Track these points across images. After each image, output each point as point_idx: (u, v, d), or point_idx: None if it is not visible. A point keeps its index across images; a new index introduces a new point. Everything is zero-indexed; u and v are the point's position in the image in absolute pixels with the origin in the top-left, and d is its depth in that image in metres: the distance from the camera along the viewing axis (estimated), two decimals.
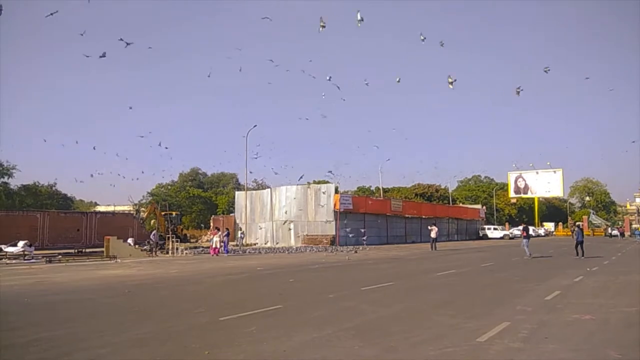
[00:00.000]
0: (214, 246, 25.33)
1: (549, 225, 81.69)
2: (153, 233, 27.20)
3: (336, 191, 39.53)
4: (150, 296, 10.60)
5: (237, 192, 48.35)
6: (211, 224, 44.93)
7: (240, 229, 30.35)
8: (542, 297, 10.30)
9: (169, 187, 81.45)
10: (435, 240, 31.19)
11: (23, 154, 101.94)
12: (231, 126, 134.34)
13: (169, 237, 27.34)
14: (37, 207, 40.90)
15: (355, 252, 28.61)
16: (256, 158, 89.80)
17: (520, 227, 26.20)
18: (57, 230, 31.80)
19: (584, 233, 25.58)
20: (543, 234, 70.74)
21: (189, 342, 6.13)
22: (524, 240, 23.16)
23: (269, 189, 44.27)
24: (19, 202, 41.90)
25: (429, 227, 32.86)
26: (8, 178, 40.47)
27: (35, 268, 18.23)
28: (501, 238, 56.89)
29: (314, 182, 53.37)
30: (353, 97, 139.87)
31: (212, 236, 26.33)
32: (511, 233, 60.07)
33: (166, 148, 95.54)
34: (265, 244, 39.64)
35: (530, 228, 28.52)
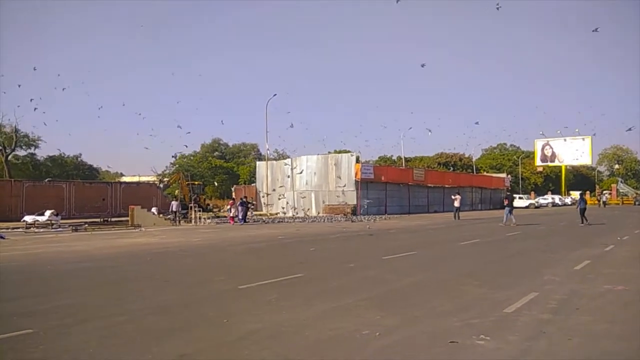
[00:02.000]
0: (231, 215, 25.48)
1: (576, 194, 79.64)
2: (175, 203, 27.48)
3: (357, 160, 39.09)
4: (172, 264, 10.64)
5: (258, 162, 48.43)
6: (233, 194, 45.22)
7: (245, 197, 30.09)
8: (571, 267, 9.93)
9: (192, 157, 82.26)
10: (458, 209, 30.74)
11: (48, 126, 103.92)
12: (253, 94, 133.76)
13: (191, 207, 27.58)
14: (63, 177, 41.71)
15: (374, 221, 28.41)
16: (292, 126, 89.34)
17: (506, 195, 25.94)
18: (83, 200, 32.47)
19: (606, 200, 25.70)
20: (570, 203, 69.12)
21: (208, 310, 6.06)
22: (507, 209, 23.59)
23: (289, 159, 44.10)
24: (45, 172, 42.81)
25: (452, 197, 32.29)
26: (34, 149, 41.42)
27: (61, 237, 18.62)
28: (526, 207, 55.82)
29: (335, 152, 52.90)
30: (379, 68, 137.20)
31: (229, 206, 26.48)
32: (537, 202, 58.93)
33: (179, 127, 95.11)
34: (286, 214, 39.77)
35: (583, 197, 26.82)
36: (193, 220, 26.60)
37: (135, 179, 58.77)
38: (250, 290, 7.26)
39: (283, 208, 41.23)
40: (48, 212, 23.55)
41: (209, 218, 27.87)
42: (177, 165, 65.48)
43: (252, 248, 13.68)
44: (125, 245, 14.69)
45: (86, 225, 24.09)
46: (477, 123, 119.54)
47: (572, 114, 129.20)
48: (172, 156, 69.47)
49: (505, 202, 24.71)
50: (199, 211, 27.51)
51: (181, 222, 26.53)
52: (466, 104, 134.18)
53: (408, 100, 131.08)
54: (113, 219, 28.80)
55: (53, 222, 23.09)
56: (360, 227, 22.75)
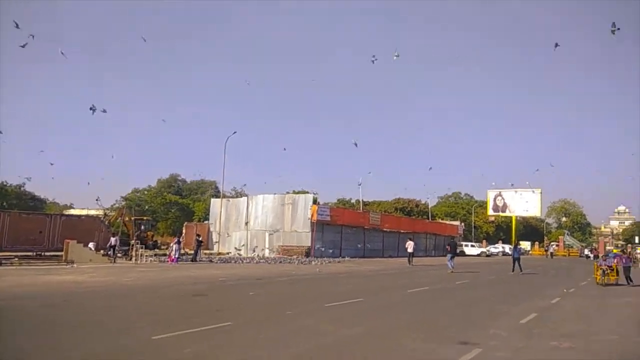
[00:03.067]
0: (172, 254, 24.17)
1: (526, 245, 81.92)
2: (113, 238, 25.93)
3: (314, 202, 38.64)
4: (88, 307, 9.53)
5: (212, 200, 47.12)
6: (183, 231, 43.52)
7: (198, 235, 28.90)
8: (518, 320, 9.58)
9: (145, 192, 79.58)
10: (412, 255, 30.67)
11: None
12: (212, 133, 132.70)
13: (133, 244, 26.04)
14: (3, 208, 39.01)
15: (326, 264, 27.69)
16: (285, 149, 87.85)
17: (449, 242, 27.14)
18: (18, 232, 29.99)
19: (554, 252, 28.41)
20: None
21: None
22: (449, 255, 24.35)
23: (245, 197, 43.16)
24: None
25: (406, 244, 32.20)
26: None
27: None
28: (478, 255, 56.65)
29: (294, 192, 52.40)
30: (339, 110, 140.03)
31: (172, 244, 25.12)
32: (488, 250, 59.94)
33: (112, 157, 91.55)
34: (240, 253, 38.42)
35: (517, 247, 28.59)
36: (133, 258, 25.01)
37: (85, 211, 55.87)
38: (164, 341, 6.39)
39: (236, 247, 39.88)
40: None
41: (151, 255, 26.30)
42: (127, 200, 62.93)
43: (187, 290, 12.62)
44: (46, 283, 13.31)
45: (15, 259, 22.15)
46: (430, 169, 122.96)
47: (523, 166, 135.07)
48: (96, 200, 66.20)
49: (448, 249, 25.19)
50: (141, 248, 25.96)
51: (118, 259, 24.88)
52: (425, 150, 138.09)
53: (369, 144, 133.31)
54: (49, 254, 26.74)
55: None
56: (311, 270, 21.96)
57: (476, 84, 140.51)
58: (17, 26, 18.80)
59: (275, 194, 40.06)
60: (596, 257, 63.55)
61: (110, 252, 25.49)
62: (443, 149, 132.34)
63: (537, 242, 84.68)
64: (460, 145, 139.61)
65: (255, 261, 28.48)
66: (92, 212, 51.65)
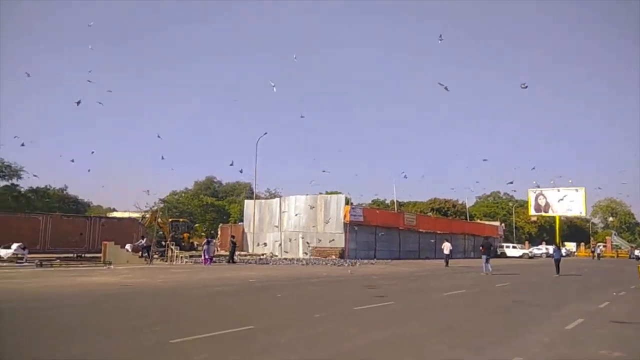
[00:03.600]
0: (205, 256, 24.29)
1: (571, 245, 78.60)
2: (144, 240, 26.41)
3: (346, 202, 38.20)
4: (114, 308, 9.46)
5: (246, 201, 47.39)
6: (219, 233, 43.97)
7: (233, 237, 28.89)
8: (562, 326, 8.87)
9: (183, 194, 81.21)
10: (449, 256, 29.95)
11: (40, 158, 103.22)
12: (248, 134, 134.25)
13: (168, 245, 26.37)
14: (46, 210, 40.50)
15: (359, 265, 27.19)
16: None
17: (483, 242, 26.19)
18: (59, 234, 31.10)
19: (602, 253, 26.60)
20: (564, 254, 67.85)
21: None
22: (484, 257, 23.36)
23: (278, 198, 43.17)
24: (25, 204, 41.53)
25: (443, 244, 31.42)
26: (17, 180, 40.33)
27: (22, 272, 17.38)
28: (520, 257, 54.60)
29: (327, 193, 52.11)
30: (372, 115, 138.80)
31: (204, 245, 25.25)
32: (531, 252, 57.72)
33: (162, 158, 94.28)
34: (273, 255, 38.42)
35: (558, 248, 27.19)
36: (168, 259, 25.32)
37: (127, 214, 57.34)
38: (181, 345, 6.15)
39: (269, 249, 39.93)
40: (15, 245, 22.27)
41: (186, 257, 26.54)
42: (165, 203, 64.24)
43: (214, 292, 12.46)
44: (79, 284, 13.47)
45: (58, 261, 22.79)
46: (403, 173, 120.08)
47: (567, 165, 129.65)
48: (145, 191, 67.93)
49: (482, 250, 24.29)
50: (176, 249, 26.25)
51: (155, 260, 25.23)
52: (462, 151, 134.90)
53: (404, 145, 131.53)
54: (88, 255, 27.42)
55: (20, 256, 21.78)
56: (343, 272, 21.54)
57: (517, 80, 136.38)
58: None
59: (307, 194, 39.84)
60: None
61: (146, 254, 25.96)
62: (479, 147, 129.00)
63: (582, 243, 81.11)
64: (498, 144, 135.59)
65: (288, 263, 28.31)
66: (135, 215, 53.01)
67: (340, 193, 41.69)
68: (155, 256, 27.15)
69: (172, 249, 25.85)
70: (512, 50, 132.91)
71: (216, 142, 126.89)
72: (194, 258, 27.24)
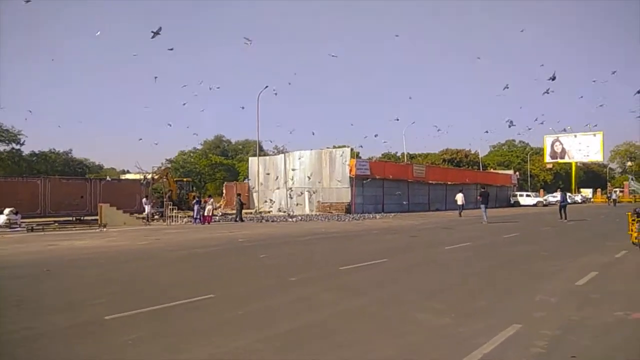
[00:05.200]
0: (205, 214, 23.53)
1: (587, 192, 76.77)
2: (144, 200, 25.79)
3: (352, 156, 36.97)
4: (69, 275, 8.62)
5: (250, 158, 46.42)
6: (224, 191, 43.34)
7: (239, 195, 27.87)
8: (572, 281, 7.83)
9: (192, 154, 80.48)
10: (462, 207, 29.62)
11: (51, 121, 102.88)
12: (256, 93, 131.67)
13: (166, 205, 25.71)
14: (50, 174, 40.07)
15: (360, 220, 26.33)
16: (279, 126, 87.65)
17: (480, 192, 25.31)
18: (59, 197, 30.61)
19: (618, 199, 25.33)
20: (580, 201, 66.34)
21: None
22: (482, 206, 23.06)
23: (283, 154, 42.09)
24: (27, 168, 41.08)
25: (457, 195, 30.48)
26: (17, 144, 39.67)
27: (8, 237, 16.79)
28: (534, 205, 53.35)
29: (334, 147, 50.82)
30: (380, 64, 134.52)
31: (204, 204, 24.42)
32: (545, 200, 56.35)
33: (169, 125, 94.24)
34: (281, 212, 37.77)
35: (564, 194, 26.36)
36: (167, 220, 24.70)
37: (139, 176, 57.01)
38: (116, 322, 5.24)
39: (275, 206, 39.27)
40: (7, 210, 21.72)
41: (186, 217, 25.89)
42: (172, 162, 63.69)
43: (191, 255, 11.51)
44: (54, 250, 12.68)
45: (54, 225, 22.31)
46: (413, 123, 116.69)
47: (584, 108, 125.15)
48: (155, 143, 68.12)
49: (479, 199, 24.10)
50: (174, 209, 25.58)
51: (155, 221, 24.66)
52: (474, 99, 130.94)
53: (414, 96, 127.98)
54: (88, 218, 26.94)
55: (12, 220, 21.26)
56: (345, 227, 20.66)
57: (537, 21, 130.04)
58: None
59: (312, 149, 38.66)
60: None
61: (145, 215, 25.41)
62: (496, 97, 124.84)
63: (599, 189, 79.05)
64: (515, 91, 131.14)
65: (292, 219, 27.55)
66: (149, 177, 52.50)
67: (346, 146, 40.44)
68: (156, 217, 26.60)
69: (169, 209, 25.17)
70: None
71: (227, 100, 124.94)
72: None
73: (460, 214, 29.14)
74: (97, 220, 24.15)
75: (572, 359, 4.20)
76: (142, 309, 5.74)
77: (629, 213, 12.37)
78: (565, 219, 23.53)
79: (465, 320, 5.42)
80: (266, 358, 4.14)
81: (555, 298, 6.64)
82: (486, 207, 23.17)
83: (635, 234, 11.95)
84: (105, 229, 20.39)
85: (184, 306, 5.97)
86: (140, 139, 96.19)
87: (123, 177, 56.34)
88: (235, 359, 4.13)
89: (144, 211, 25.91)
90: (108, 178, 37.20)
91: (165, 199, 26.73)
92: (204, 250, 12.19)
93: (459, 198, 29.93)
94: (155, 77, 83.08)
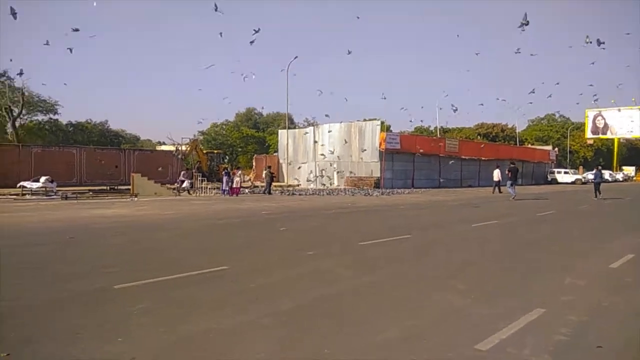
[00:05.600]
0: (233, 186, 23.66)
1: (629, 170, 73.37)
2: (182, 172, 26.07)
3: (382, 129, 36.31)
4: (92, 244, 8.73)
5: (280, 131, 46.30)
6: (254, 164, 43.56)
7: (269, 167, 27.75)
8: (606, 263, 7.37)
9: (224, 126, 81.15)
10: (499, 183, 28.10)
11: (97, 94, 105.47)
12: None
13: (196, 177, 26.02)
14: (86, 144, 41.17)
15: (388, 195, 25.96)
16: (321, 93, 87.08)
17: (509, 167, 24.14)
18: (94, 167, 31.51)
19: None
20: (621, 179, 63.55)
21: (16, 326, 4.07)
22: (508, 182, 22.91)
23: (312, 127, 41.77)
24: (63, 138, 42.32)
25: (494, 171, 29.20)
26: (54, 114, 40.88)
27: (44, 204, 17.37)
28: (572, 183, 51.45)
29: (364, 120, 50.12)
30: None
31: (233, 176, 24.53)
32: (584, 177, 54.24)
33: (200, 89, 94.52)
34: (309, 185, 37.75)
35: (599, 171, 25.11)
36: (193, 191, 25.04)
37: (173, 147, 58.08)
38: (125, 291, 5.22)
39: (300, 179, 39.24)
40: (43, 179, 22.47)
41: (215, 188, 26.16)
42: (204, 135, 64.36)
43: (213, 225, 11.55)
44: (88, 217, 13.02)
45: (89, 193, 22.97)
46: (446, 95, 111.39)
47: (630, 81, 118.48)
48: (199, 122, 69.26)
49: (508, 175, 23.38)
50: (203, 180, 25.88)
51: (187, 192, 25.03)
52: (513, 73, 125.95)
53: (449, 71, 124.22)
54: (123, 187, 27.62)
55: (48, 188, 21.99)
56: (372, 202, 20.41)
57: None
58: None
59: (341, 122, 38.14)
60: None
61: (179, 186, 25.85)
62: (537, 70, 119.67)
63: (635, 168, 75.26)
64: (556, 65, 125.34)
65: (319, 193, 27.46)
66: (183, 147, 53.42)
67: (376, 119, 39.73)
68: (187, 187, 27.00)
69: (198, 180, 25.48)
70: None
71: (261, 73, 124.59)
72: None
73: (495, 190, 27.95)
74: (129, 189, 24.73)
75: (598, 348, 3.88)
76: (153, 279, 5.72)
77: None
78: (600, 196, 23.06)
79: (486, 302, 5.13)
80: (269, 335, 4.00)
81: (585, 281, 6.25)
82: (513, 184, 22.89)
83: None
84: (136, 199, 20.83)
85: (195, 277, 5.92)
86: (200, 89, 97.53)
87: (159, 148, 57.64)
88: (234, 334, 4.01)
89: (178, 183, 26.35)
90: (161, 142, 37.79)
91: (194, 171, 27.02)
92: (226, 222, 12.20)
93: (496, 174, 28.61)
94: (220, 33, 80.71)
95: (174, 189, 25.31)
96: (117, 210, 14.81)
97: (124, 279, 5.68)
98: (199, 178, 25.84)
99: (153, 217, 13.24)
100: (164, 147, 60.89)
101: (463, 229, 11.56)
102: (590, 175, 60.53)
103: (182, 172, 27.04)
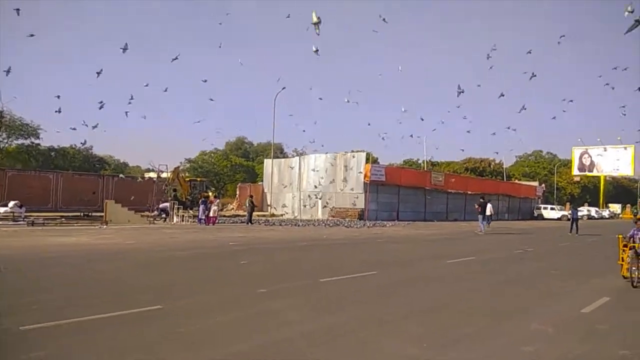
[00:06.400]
0: (210, 215, 23.03)
1: (615, 207, 73.75)
2: (161, 200, 25.50)
3: (368, 160, 36.12)
4: (19, 277, 7.99)
5: (265, 160, 46.00)
6: (237, 193, 42.98)
7: (251, 196, 27.22)
8: (578, 307, 6.87)
9: (212, 154, 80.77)
10: (490, 217, 27.57)
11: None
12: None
13: (172, 204, 25.37)
14: (68, 169, 40.43)
15: (368, 228, 25.45)
16: (315, 123, 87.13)
17: (478, 205, 24.20)
18: (71, 192, 30.69)
19: None
20: (607, 216, 63.67)
21: None
22: (480, 216, 23.11)
23: (297, 157, 41.52)
24: (44, 163, 41.53)
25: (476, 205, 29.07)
26: (36, 138, 40.22)
27: (4, 230, 16.58)
28: (558, 219, 51.32)
29: (352, 152, 50.03)
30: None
31: (209, 204, 23.87)
32: (569, 214, 54.18)
33: (198, 122, 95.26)
34: (294, 215, 37.14)
35: (575, 209, 25.71)
36: (170, 219, 24.36)
37: (164, 175, 57.24)
38: (30, 333, 4.61)
39: (288, 209, 38.69)
40: (11, 203, 21.70)
41: (193, 217, 25.48)
42: (191, 162, 63.89)
43: (171, 257, 10.82)
44: (44, 245, 12.31)
45: (61, 220, 22.20)
46: (434, 130, 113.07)
47: (615, 121, 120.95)
48: (217, 132, 69.37)
49: (478, 209, 23.53)
50: (179, 208, 25.22)
51: (160, 220, 24.35)
52: (501, 109, 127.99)
53: (438, 104, 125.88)
54: (97, 214, 26.84)
55: (16, 214, 21.20)
56: (350, 234, 19.85)
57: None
58: None
59: (327, 153, 37.95)
60: None
61: (156, 214, 25.18)
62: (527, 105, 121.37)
63: (628, 205, 75.79)
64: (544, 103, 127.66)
65: (302, 224, 26.86)
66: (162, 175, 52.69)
67: (362, 151, 39.57)
68: (163, 215, 26.28)
69: (177, 208, 24.83)
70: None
71: (249, 103, 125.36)
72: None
73: (487, 224, 27.42)
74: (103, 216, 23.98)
75: None
76: (75, 318, 5.11)
77: (620, 236, 9.72)
78: (577, 233, 23.96)
79: (438, 352, 4.60)
80: None
81: (554, 327, 5.73)
82: (484, 218, 23.04)
83: (626, 265, 8.99)
84: (105, 226, 20.11)
85: (119, 318, 5.31)
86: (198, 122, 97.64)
87: (147, 175, 56.77)
88: None
89: (156, 210, 25.67)
90: (121, 176, 37.20)
91: (170, 198, 26.37)
92: (187, 253, 11.52)
93: (488, 209, 28.49)
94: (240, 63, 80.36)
95: (150, 216, 24.60)
96: (79, 239, 14.11)
97: (40, 317, 5.08)
98: (175, 206, 25.16)
99: (112, 246, 12.55)
100: (152, 174, 60.29)
101: (436, 265, 11.04)
102: (587, 213, 61.13)
103: (160, 200, 26.40)
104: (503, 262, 12.27)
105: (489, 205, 29.01)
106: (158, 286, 7.40)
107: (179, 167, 38.28)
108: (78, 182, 31.88)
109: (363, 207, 34.21)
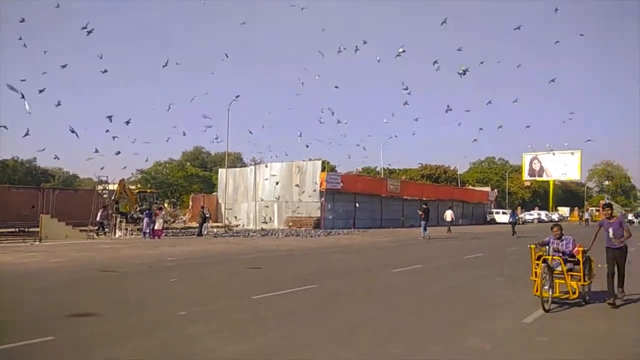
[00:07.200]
0: (155, 227, 21.88)
1: (564, 210, 76.67)
2: (99, 213, 24.05)
3: (323, 169, 35.75)
4: None
5: (220, 170, 44.90)
6: (190, 204, 41.63)
7: (203, 207, 26.17)
8: (520, 317, 6.58)
9: (167, 165, 78.40)
10: (451, 223, 30.20)
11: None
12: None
13: (113, 216, 24.04)
14: (9, 182, 37.97)
15: (321, 237, 25.03)
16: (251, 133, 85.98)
17: (422, 211, 24.27)
18: (7, 207, 28.61)
19: None
20: (556, 219, 65.93)
21: None
22: (423, 222, 23.34)
23: (252, 166, 40.71)
24: None
25: (419, 211, 29.42)
26: None
27: None
28: (509, 223, 52.61)
29: (308, 160, 49.58)
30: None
31: (154, 217, 22.64)
32: (522, 218, 55.73)
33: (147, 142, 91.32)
34: (248, 226, 36.20)
35: (514, 213, 27.53)
36: (112, 233, 23.05)
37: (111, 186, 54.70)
38: None
39: (239, 220, 37.70)
40: None
41: (138, 230, 24.20)
42: (143, 174, 61.74)
43: (93, 277, 9.72)
44: None
45: None
46: (390, 137, 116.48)
47: (562, 128, 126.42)
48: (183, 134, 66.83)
49: (421, 215, 23.82)
50: (121, 221, 23.91)
51: (104, 234, 23.01)
52: (456, 116, 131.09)
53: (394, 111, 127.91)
54: (33, 229, 25.06)
55: None
56: (301, 244, 19.28)
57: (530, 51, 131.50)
58: None
59: (282, 162, 37.32)
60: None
61: (97, 228, 23.76)
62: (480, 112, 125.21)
63: (576, 208, 78.97)
64: (499, 108, 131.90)
65: (252, 234, 26.06)
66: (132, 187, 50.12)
67: (318, 160, 39.20)
68: (107, 229, 24.83)
69: (117, 221, 23.52)
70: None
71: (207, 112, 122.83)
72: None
73: (449, 230, 29.15)
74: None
75: None
76: None
77: (532, 246, 7.88)
78: (514, 234, 25.42)
79: None
80: None
81: (491, 342, 5.36)
82: (426, 224, 23.34)
83: (539, 281, 7.22)
84: (38, 243, 18.70)
85: (16, 350, 4.53)
86: (175, 127, 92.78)
87: (99, 187, 53.96)
88: None
89: (97, 225, 24.23)
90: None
91: (111, 211, 25.01)
92: (114, 273, 10.50)
93: (448, 214, 30.23)
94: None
95: (91, 231, 23.16)
96: (1, 258, 12.85)
97: None
98: (118, 219, 23.84)
99: (32, 266, 11.42)
100: (110, 187, 57.43)
101: (380, 275, 10.65)
102: (528, 216, 63.10)
103: (99, 213, 24.88)
104: (450, 269, 12.01)
105: (449, 212, 30.45)
106: (59, 312, 6.52)
107: (124, 179, 36.67)
108: (15, 195, 29.80)
109: (319, 215, 33.74)
